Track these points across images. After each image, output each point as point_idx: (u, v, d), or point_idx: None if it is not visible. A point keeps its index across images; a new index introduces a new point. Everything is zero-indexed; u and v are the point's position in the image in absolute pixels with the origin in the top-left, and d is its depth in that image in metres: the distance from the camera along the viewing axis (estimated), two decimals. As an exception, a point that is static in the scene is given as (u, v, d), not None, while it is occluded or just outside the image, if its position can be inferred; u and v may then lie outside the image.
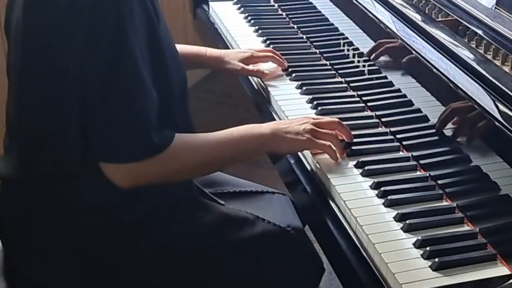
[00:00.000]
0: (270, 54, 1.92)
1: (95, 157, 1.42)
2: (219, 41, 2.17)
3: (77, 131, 1.42)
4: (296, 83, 1.85)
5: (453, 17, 1.62)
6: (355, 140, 1.59)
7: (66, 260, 1.50)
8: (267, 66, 1.92)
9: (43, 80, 1.43)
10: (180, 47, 1.69)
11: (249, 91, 1.92)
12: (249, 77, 1.94)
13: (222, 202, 1.67)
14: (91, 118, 1.40)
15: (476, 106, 1.37)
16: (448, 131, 1.51)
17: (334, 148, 1.53)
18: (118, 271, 1.52)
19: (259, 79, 1.89)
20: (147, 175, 1.44)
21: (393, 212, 1.39)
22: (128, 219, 1.50)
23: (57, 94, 1.42)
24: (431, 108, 1.58)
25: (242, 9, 2.27)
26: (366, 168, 1.50)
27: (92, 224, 1.48)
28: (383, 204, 1.41)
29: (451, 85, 1.45)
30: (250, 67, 1.88)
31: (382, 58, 1.79)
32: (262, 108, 1.83)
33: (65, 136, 1.44)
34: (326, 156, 1.55)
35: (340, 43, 1.97)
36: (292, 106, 1.75)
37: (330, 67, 1.92)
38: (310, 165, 1.58)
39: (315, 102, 1.75)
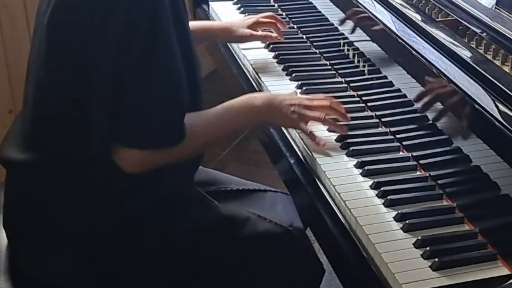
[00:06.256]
0: (273, 20, 1.99)
1: (118, 140, 1.45)
2: (219, 41, 2.17)
3: (103, 117, 1.44)
4: (296, 83, 1.85)
5: (453, 17, 1.62)
6: (355, 140, 1.59)
7: (69, 251, 1.51)
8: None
9: (70, 66, 1.45)
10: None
11: (249, 91, 1.92)
12: (249, 78, 1.95)
13: (220, 201, 1.67)
14: (125, 103, 1.43)
15: (476, 106, 1.37)
16: (448, 131, 1.51)
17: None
18: (122, 267, 1.53)
19: (259, 79, 1.89)
20: (158, 162, 1.48)
21: (393, 212, 1.39)
22: (132, 210, 1.51)
23: (85, 81, 1.44)
24: (431, 108, 1.58)
25: (242, 9, 2.27)
26: (366, 168, 1.50)
27: (97, 213, 1.50)
28: (383, 204, 1.41)
29: (451, 85, 1.45)
30: (259, 32, 1.95)
31: (381, 58, 1.79)
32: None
33: (88, 122, 1.45)
34: (326, 156, 1.55)
35: (340, 43, 1.97)
36: (292, 106, 1.74)
37: (330, 67, 1.92)
38: (310, 165, 1.58)
39: (315, 102, 1.75)
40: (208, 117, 1.57)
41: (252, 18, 1.98)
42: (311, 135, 1.59)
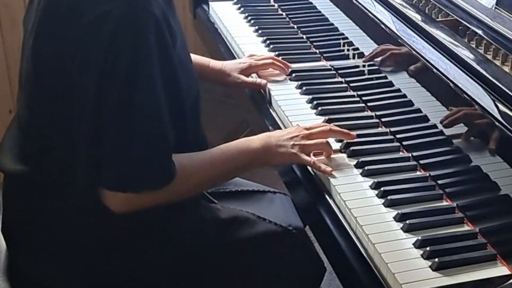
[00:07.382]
0: (270, 61, 1.90)
1: (102, 184, 1.41)
2: (219, 41, 2.18)
3: (86, 153, 1.40)
4: (296, 83, 1.85)
5: (453, 17, 1.63)
6: (355, 140, 1.59)
7: (69, 259, 1.50)
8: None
9: (55, 94, 1.42)
10: None
11: (249, 91, 1.92)
12: (250, 76, 1.94)
13: (219, 202, 1.67)
14: (105, 147, 1.38)
15: (476, 106, 1.37)
16: (448, 131, 1.51)
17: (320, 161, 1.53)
18: (121, 271, 1.52)
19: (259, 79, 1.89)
20: (144, 203, 1.44)
21: (393, 212, 1.39)
22: (130, 220, 1.50)
23: (69, 112, 1.40)
24: (431, 108, 1.58)
25: (242, 9, 2.27)
26: (366, 168, 1.50)
27: (95, 224, 1.48)
28: (383, 204, 1.41)
29: (451, 85, 1.45)
30: (250, 79, 1.86)
31: (382, 59, 1.79)
32: (262, 108, 1.83)
33: (71, 151, 1.42)
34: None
35: (340, 43, 1.97)
36: (292, 106, 1.75)
37: (330, 67, 1.92)
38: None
39: (315, 102, 1.75)
40: (202, 159, 1.50)
41: (246, 62, 1.89)
42: (315, 165, 1.51)
